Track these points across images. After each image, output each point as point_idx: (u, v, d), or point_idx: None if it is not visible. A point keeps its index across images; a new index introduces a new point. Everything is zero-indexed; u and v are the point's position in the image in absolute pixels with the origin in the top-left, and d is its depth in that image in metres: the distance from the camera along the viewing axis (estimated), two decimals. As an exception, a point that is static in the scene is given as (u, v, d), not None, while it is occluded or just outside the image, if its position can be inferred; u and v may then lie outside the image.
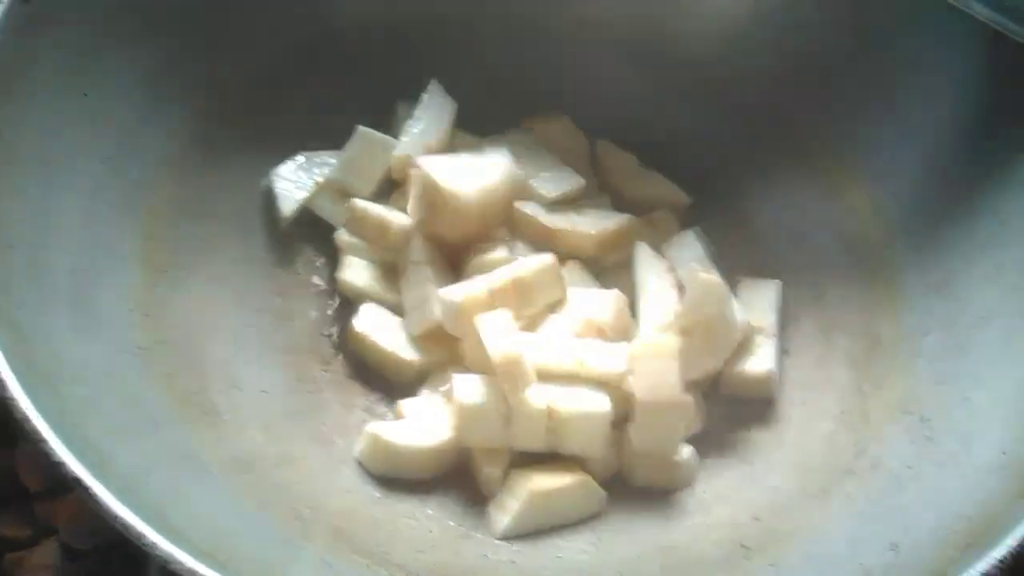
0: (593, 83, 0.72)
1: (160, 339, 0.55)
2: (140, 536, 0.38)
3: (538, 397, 0.55)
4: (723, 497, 0.58)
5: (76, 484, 0.38)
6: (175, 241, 0.59)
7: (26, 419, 0.40)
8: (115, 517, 0.38)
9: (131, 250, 0.57)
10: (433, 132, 0.66)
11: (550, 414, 0.55)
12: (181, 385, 0.54)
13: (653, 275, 0.64)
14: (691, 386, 0.59)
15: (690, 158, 0.71)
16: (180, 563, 0.37)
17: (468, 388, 0.56)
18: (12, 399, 0.40)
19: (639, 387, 0.56)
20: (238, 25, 0.64)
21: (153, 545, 0.37)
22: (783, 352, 0.64)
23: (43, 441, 0.39)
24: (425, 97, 0.67)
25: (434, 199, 0.60)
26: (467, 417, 0.56)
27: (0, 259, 0.48)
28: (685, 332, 0.59)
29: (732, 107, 0.71)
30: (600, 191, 0.69)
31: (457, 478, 0.58)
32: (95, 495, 0.38)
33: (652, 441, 0.56)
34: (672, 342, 0.57)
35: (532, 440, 0.56)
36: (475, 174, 0.62)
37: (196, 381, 0.55)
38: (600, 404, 0.56)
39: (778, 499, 0.57)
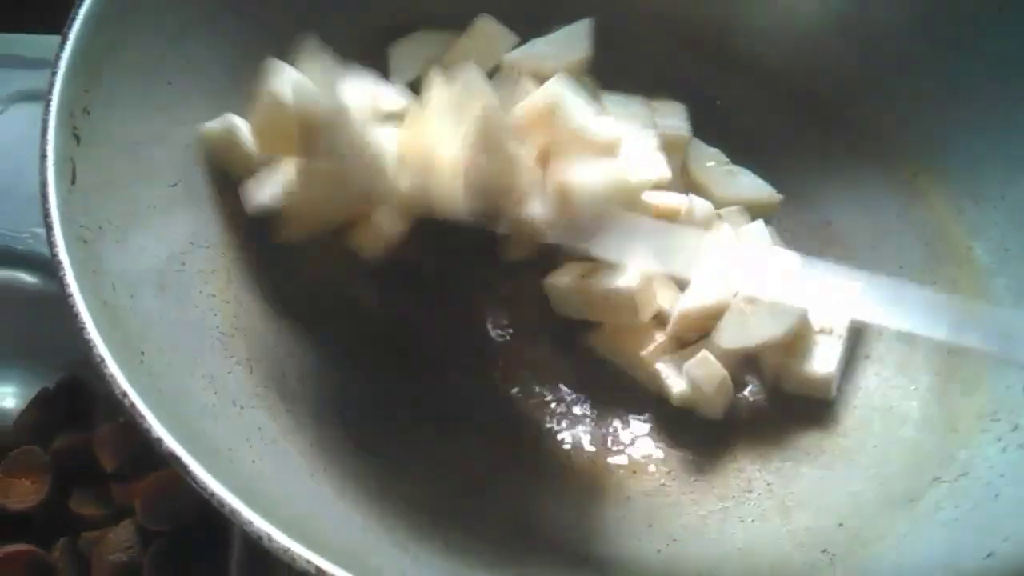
0: (662, 81, 0.71)
1: (238, 326, 0.55)
2: (236, 512, 0.37)
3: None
4: (803, 503, 0.57)
5: (173, 460, 0.38)
6: (252, 229, 0.59)
7: (124, 395, 0.40)
8: (212, 494, 0.38)
9: (210, 238, 0.57)
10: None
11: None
12: (260, 371, 0.54)
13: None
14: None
15: (765, 158, 0.70)
16: (276, 541, 0.37)
17: None
18: (111, 376, 0.40)
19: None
20: (324, 13, 0.64)
21: (249, 523, 0.37)
22: (864, 357, 0.62)
23: (141, 417, 0.39)
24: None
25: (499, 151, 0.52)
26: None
27: (93, 240, 0.48)
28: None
29: (806, 106, 0.70)
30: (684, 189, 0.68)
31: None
32: (192, 471, 0.38)
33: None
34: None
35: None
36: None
37: (275, 368, 0.55)
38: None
39: (861, 505, 0.55)
